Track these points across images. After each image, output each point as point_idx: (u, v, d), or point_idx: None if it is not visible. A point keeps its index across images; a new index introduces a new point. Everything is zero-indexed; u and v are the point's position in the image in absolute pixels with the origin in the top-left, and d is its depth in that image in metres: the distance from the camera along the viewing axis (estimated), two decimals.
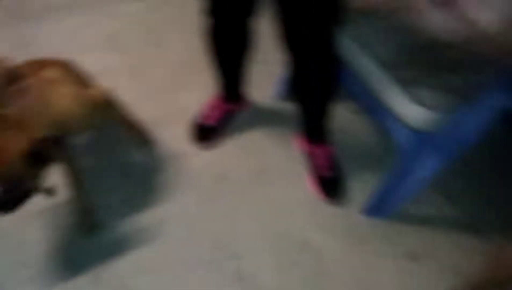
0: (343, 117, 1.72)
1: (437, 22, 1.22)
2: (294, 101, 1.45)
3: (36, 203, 1.13)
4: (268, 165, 1.60)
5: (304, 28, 1.12)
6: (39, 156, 1.01)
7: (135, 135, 1.55)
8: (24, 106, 1.09)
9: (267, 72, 1.83)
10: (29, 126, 1.06)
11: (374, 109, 1.30)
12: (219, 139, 1.64)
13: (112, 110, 1.36)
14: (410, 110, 1.08)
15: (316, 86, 1.30)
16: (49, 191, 1.13)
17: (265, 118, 1.73)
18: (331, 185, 1.51)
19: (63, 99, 1.14)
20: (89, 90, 1.25)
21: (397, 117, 1.13)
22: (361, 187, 1.54)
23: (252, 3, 1.24)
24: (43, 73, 1.16)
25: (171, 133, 1.67)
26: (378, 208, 1.44)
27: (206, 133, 1.62)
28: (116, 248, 1.39)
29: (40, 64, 1.20)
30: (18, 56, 1.37)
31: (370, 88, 1.21)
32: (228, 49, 1.43)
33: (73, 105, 1.16)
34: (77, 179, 1.31)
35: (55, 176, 1.19)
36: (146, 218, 1.45)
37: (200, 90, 1.79)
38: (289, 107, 1.75)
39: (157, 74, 1.87)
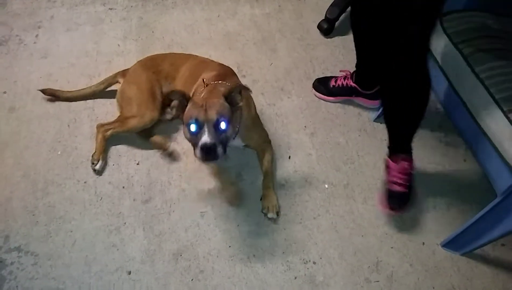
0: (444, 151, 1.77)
1: None
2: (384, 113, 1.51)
3: None
4: (356, 180, 1.67)
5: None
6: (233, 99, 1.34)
7: None
8: None
9: None
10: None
11: (481, 150, 1.33)
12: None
13: None
14: None
15: (406, 92, 1.37)
16: None
17: (360, 135, 1.82)
18: (396, 199, 1.51)
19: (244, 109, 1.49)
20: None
21: (506, 161, 1.16)
22: (446, 221, 1.58)
23: None
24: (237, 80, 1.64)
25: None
26: (459, 243, 1.46)
27: None
28: None
29: (232, 72, 1.67)
30: (139, 38, 1.93)
31: (482, 126, 1.24)
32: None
33: (245, 116, 1.50)
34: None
35: None
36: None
37: (298, 98, 1.93)
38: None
39: (264, 76, 2.01)
